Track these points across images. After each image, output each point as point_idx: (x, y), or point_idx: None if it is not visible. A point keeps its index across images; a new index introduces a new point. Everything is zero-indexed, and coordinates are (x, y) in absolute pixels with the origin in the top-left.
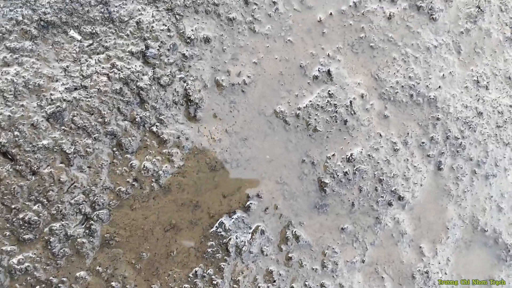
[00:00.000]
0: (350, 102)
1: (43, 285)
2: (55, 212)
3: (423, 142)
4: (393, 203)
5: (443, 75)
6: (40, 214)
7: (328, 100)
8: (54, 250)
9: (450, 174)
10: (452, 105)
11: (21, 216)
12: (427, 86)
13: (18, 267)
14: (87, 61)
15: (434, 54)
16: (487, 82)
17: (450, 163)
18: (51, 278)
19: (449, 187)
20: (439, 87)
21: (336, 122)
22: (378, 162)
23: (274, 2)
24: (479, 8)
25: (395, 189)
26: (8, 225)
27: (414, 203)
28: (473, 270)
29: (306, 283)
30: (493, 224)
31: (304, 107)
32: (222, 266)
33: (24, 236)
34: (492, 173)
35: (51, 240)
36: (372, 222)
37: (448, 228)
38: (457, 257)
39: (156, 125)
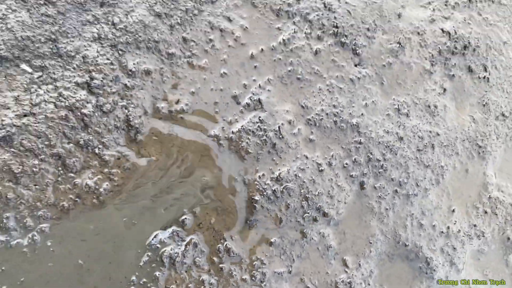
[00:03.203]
0: (279, 127)
1: None
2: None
3: (346, 164)
4: (318, 219)
5: (366, 103)
6: None
7: (258, 125)
8: None
9: (373, 193)
10: (374, 130)
11: None
12: (350, 113)
13: None
14: (36, 91)
15: (358, 85)
16: (408, 110)
17: (373, 182)
18: None
19: (372, 205)
20: (362, 114)
21: (266, 145)
22: (304, 181)
23: (210, 40)
24: (400, 44)
25: (320, 206)
26: None
27: (339, 219)
28: (396, 281)
29: None
30: (414, 239)
31: (236, 131)
32: (156, 275)
33: None
34: (413, 192)
35: None
36: (299, 236)
37: (371, 243)
38: (380, 269)
39: (99, 147)
